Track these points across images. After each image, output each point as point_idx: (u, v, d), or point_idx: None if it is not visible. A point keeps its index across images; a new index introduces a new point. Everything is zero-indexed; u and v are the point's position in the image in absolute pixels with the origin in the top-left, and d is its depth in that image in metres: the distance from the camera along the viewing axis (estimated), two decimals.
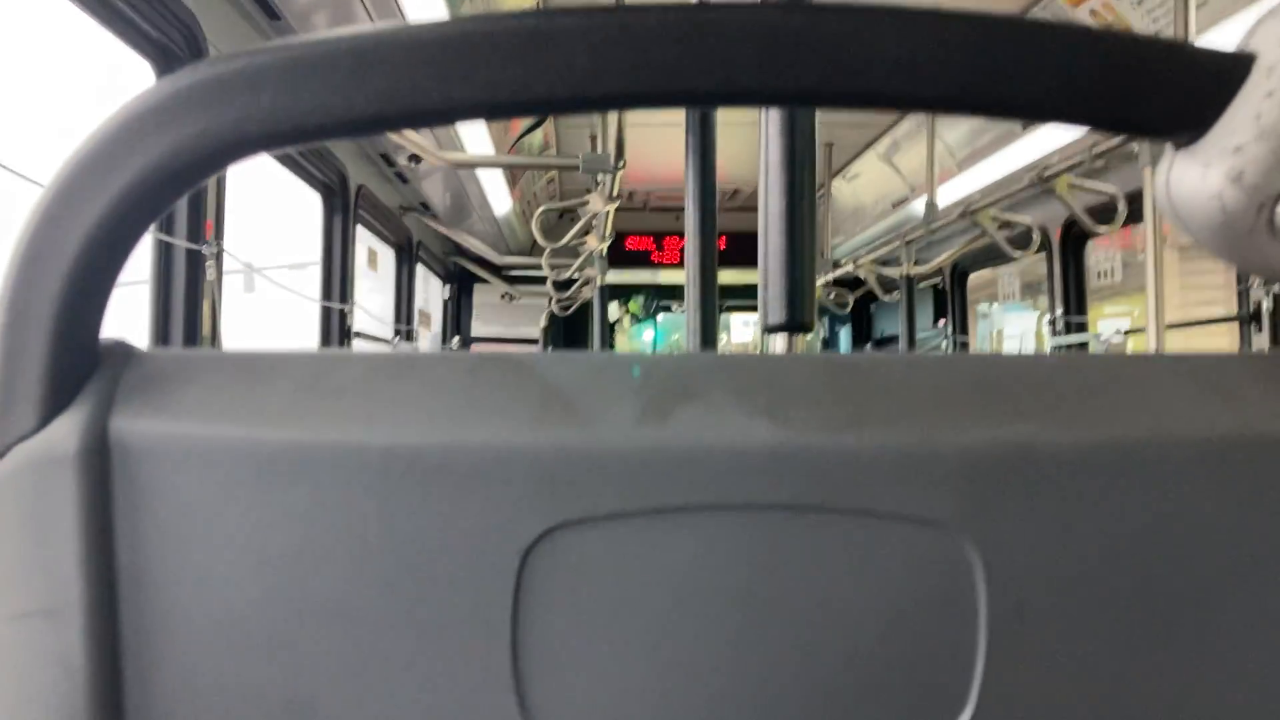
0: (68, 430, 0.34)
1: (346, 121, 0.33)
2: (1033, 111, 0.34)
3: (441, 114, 0.33)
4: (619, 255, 5.54)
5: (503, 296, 6.09)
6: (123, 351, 0.36)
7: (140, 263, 2.19)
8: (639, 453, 0.34)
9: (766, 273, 1.09)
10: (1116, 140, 2.62)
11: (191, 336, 2.24)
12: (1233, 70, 0.33)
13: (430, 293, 5.72)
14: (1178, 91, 0.34)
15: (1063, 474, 0.33)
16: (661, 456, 0.34)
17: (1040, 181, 3.01)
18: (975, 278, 5.09)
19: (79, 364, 0.35)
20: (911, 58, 0.32)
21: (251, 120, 0.33)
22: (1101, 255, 4.06)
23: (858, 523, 0.34)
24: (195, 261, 2.24)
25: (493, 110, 0.33)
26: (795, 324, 1.10)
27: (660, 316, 7.11)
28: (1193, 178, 0.34)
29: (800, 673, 0.34)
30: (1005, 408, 0.35)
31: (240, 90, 0.33)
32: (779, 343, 1.24)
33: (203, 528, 0.34)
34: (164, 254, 2.21)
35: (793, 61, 0.32)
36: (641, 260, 6.28)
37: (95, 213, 0.33)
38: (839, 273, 5.34)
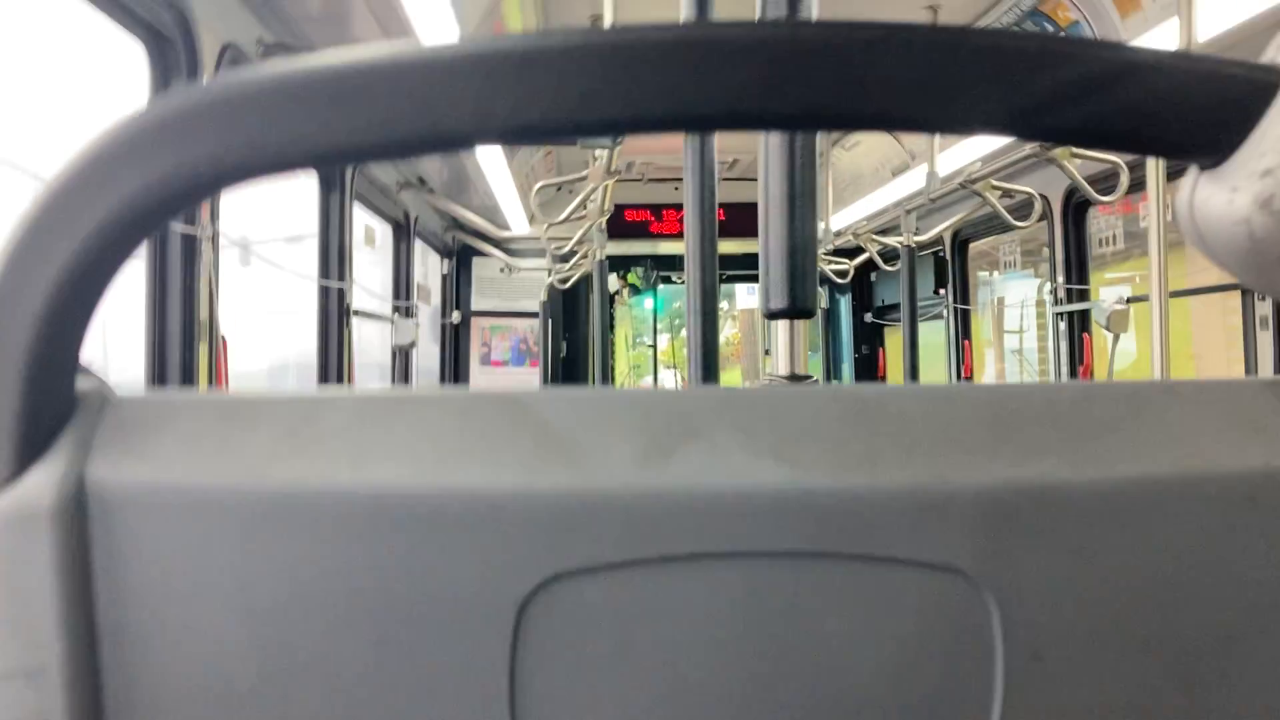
0: (44, 482, 0.32)
1: (327, 152, 0.31)
2: (1047, 132, 0.32)
3: (427, 144, 0.32)
4: (618, 227, 5.50)
5: (501, 270, 6.06)
6: (99, 395, 0.35)
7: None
8: (640, 498, 0.32)
9: (767, 258, 1.08)
10: None
11: (188, 322, 2.22)
12: (1260, 86, 0.32)
13: (429, 267, 5.69)
14: (1201, 110, 0.32)
15: (1084, 514, 0.32)
16: (664, 501, 0.32)
17: (1041, 149, 2.98)
18: (975, 246, 5.06)
19: (54, 410, 0.33)
20: (916, 77, 0.31)
21: (228, 154, 0.31)
22: (1103, 223, 4.03)
23: (869, 569, 0.32)
24: (191, 245, 2.22)
25: (484, 137, 0.31)
26: (797, 310, 1.09)
27: (660, 287, 7.08)
28: (1218, 201, 0.33)
29: None
30: (1022, 444, 0.33)
31: (215, 122, 0.31)
32: (780, 328, 1.23)
33: (186, 581, 0.32)
34: (158, 240, 2.19)
35: (798, 83, 0.30)
36: (640, 231, 6.24)
37: (66, 254, 0.32)
38: (839, 242, 5.30)
